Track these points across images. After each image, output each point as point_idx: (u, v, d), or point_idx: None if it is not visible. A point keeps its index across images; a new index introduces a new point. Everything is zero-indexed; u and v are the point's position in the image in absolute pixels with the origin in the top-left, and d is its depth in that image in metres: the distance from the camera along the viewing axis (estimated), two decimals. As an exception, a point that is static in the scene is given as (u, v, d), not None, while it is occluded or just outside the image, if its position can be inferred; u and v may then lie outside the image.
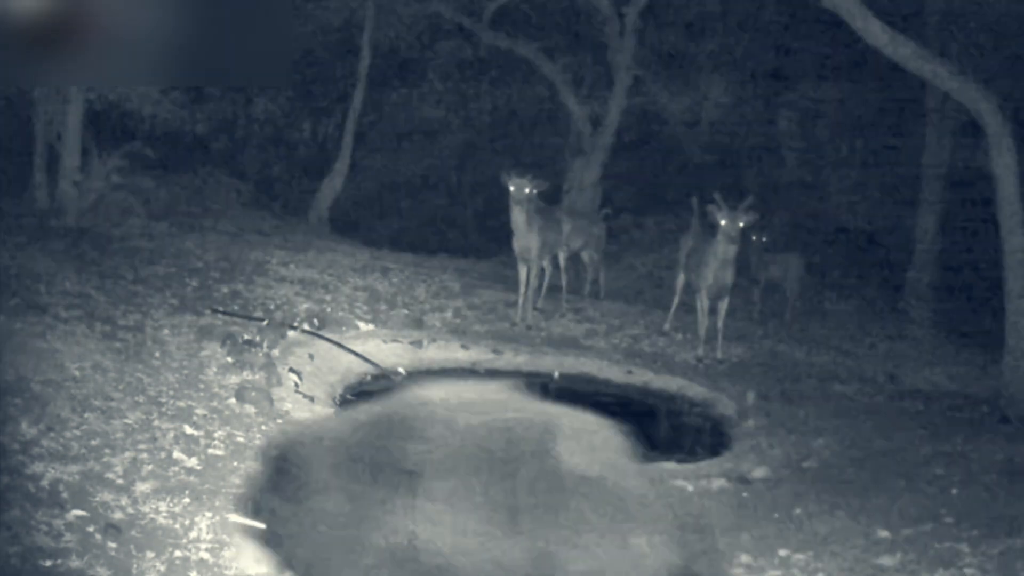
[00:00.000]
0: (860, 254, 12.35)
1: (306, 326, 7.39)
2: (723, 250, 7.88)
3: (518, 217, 8.30)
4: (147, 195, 10.46)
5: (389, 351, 7.44)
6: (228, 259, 8.91)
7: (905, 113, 12.05)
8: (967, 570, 4.09)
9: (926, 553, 4.26)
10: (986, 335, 8.54)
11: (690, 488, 5.22)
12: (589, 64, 13.11)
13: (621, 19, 11.37)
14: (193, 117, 13.64)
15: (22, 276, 6.88)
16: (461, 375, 7.25)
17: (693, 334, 8.47)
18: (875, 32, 7.02)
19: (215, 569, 3.72)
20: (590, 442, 2.59)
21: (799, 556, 4.29)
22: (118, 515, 3.96)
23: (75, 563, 3.50)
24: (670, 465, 5.74)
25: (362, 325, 7.83)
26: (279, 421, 5.54)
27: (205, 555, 3.78)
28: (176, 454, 4.71)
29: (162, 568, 3.65)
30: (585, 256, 9.78)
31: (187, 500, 4.21)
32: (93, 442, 4.58)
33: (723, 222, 7.70)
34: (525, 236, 8.40)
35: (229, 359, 6.37)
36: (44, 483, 4.06)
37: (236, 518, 2.73)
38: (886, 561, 4.21)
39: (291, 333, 7.16)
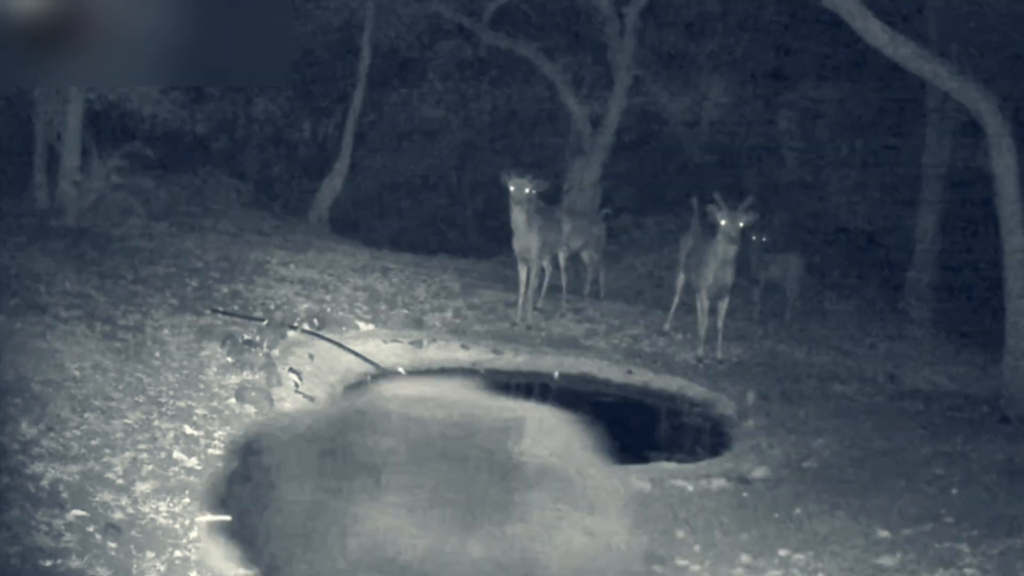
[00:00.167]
0: (860, 254, 12.35)
1: (306, 326, 7.39)
2: (723, 250, 7.88)
3: (518, 217, 8.30)
4: (147, 195, 10.47)
5: (389, 351, 7.44)
6: (228, 259, 8.92)
7: (905, 113, 12.05)
8: (967, 570, 4.09)
9: (926, 553, 4.26)
10: (986, 335, 8.54)
11: (690, 488, 5.22)
12: (589, 64, 13.11)
13: (621, 19, 11.37)
14: (193, 117, 13.65)
15: (22, 276, 6.88)
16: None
17: (693, 334, 8.47)
18: (875, 32, 7.02)
19: (215, 569, 3.71)
20: (551, 437, 2.63)
21: (799, 556, 4.30)
22: (118, 515, 3.96)
23: (75, 563, 3.50)
24: (670, 465, 5.74)
25: (362, 325, 7.83)
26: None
27: (205, 555, 3.78)
28: (176, 454, 4.71)
29: (162, 568, 3.65)
30: (585, 256, 9.78)
31: (187, 500, 4.21)
32: (93, 442, 4.59)
33: (723, 222, 7.70)
34: (525, 236, 8.40)
35: (229, 359, 6.37)
36: (44, 483, 4.06)
37: (205, 517, 2.74)
38: (886, 561, 4.21)
39: (291, 333, 7.16)
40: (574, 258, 9.77)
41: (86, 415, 4.86)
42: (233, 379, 6.05)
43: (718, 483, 5.35)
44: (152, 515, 4.03)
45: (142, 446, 4.70)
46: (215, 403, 5.58)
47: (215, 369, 6.18)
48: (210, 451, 4.85)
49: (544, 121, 14.85)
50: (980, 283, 9.92)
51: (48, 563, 3.47)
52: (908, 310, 10.89)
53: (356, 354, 7.14)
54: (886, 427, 6.47)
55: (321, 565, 2.50)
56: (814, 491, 5.20)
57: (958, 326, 10.31)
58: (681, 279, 8.84)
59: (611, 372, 7.78)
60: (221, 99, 14.08)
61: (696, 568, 4.21)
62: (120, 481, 4.27)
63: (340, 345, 7.17)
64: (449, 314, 8.56)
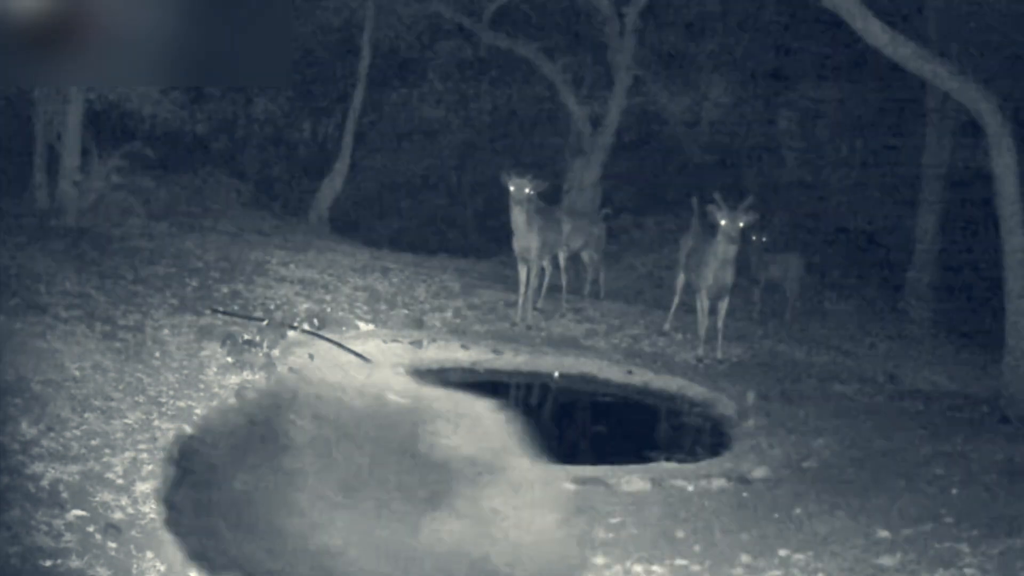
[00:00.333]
0: (860, 254, 12.35)
1: (306, 326, 7.39)
2: (723, 250, 7.88)
3: (518, 217, 8.30)
4: (147, 195, 10.48)
5: (389, 351, 7.44)
6: (228, 259, 8.92)
7: (905, 113, 12.05)
8: (967, 570, 4.09)
9: (926, 553, 4.26)
10: (986, 335, 8.54)
11: (690, 488, 5.22)
12: (589, 64, 13.11)
13: (621, 19, 11.37)
14: (193, 117, 13.64)
15: (22, 276, 6.88)
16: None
17: (693, 334, 8.47)
18: (875, 32, 7.02)
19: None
20: (473, 427, 2.67)
21: (799, 556, 4.29)
22: (118, 515, 3.96)
23: (75, 563, 3.50)
24: (670, 465, 5.74)
25: (362, 325, 7.83)
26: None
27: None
28: (176, 454, 4.70)
29: (162, 568, 3.64)
30: (585, 256, 9.78)
31: (187, 500, 4.21)
32: (93, 442, 4.59)
33: (723, 222, 7.70)
34: (525, 236, 8.40)
35: (229, 359, 6.37)
36: (44, 483, 4.06)
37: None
38: (886, 561, 4.21)
39: (291, 333, 7.16)
40: (574, 258, 9.77)
41: (86, 415, 4.86)
42: (233, 379, 6.05)
43: (718, 483, 5.34)
44: (152, 515, 4.02)
45: (142, 446, 4.70)
46: (215, 403, 5.58)
47: (215, 369, 6.18)
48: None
49: (544, 121, 14.85)
50: (980, 283, 9.93)
51: (48, 563, 3.47)
52: (908, 310, 10.89)
53: (356, 354, 7.14)
54: (886, 427, 6.46)
55: (257, 556, 2.57)
56: (814, 491, 5.20)
57: (958, 326, 10.31)
58: (681, 279, 8.84)
59: (611, 372, 7.77)
60: (221, 99, 14.08)
61: (696, 568, 4.21)
62: (120, 481, 4.27)
63: (340, 345, 7.17)
64: (449, 314, 8.56)
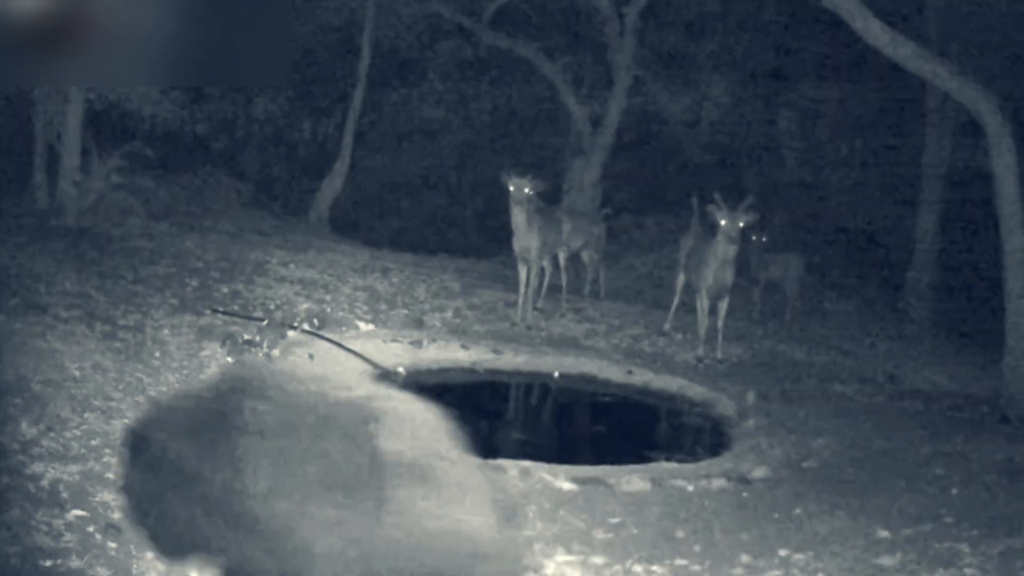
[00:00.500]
0: (860, 254, 12.35)
1: (306, 326, 7.39)
2: (723, 250, 7.88)
3: (518, 217, 8.30)
4: (147, 195, 10.48)
5: (389, 351, 7.44)
6: (228, 259, 8.92)
7: (905, 113, 12.05)
8: (967, 570, 4.09)
9: (926, 553, 4.26)
10: (986, 335, 8.54)
11: (690, 488, 5.22)
12: (589, 64, 13.10)
13: (621, 19, 11.36)
14: (193, 117, 13.65)
15: (22, 276, 6.88)
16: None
17: (693, 334, 8.47)
18: (875, 32, 7.02)
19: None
20: (414, 427, 2.75)
21: (799, 556, 4.29)
22: (118, 515, 3.96)
23: (75, 563, 3.50)
24: (670, 465, 5.74)
25: (362, 325, 7.83)
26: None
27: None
28: (176, 454, 4.70)
29: (162, 568, 3.64)
30: (585, 256, 9.78)
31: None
32: (93, 442, 4.58)
33: (723, 222, 7.70)
34: (525, 236, 8.40)
35: (229, 359, 6.37)
36: (44, 483, 4.06)
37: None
38: (886, 561, 4.21)
39: (291, 333, 7.16)
40: (574, 258, 9.77)
41: (86, 415, 4.86)
42: (233, 379, 6.04)
43: (718, 483, 5.35)
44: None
45: (142, 446, 4.69)
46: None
47: (215, 369, 6.18)
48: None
49: (544, 121, 14.85)
50: (980, 283, 9.92)
51: (48, 563, 3.47)
52: (908, 310, 10.89)
53: (356, 354, 7.15)
54: (886, 427, 6.46)
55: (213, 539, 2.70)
56: (814, 491, 5.20)
57: (958, 326, 10.31)
58: (681, 279, 8.84)
59: (611, 372, 7.77)
60: (221, 99, 14.08)
61: (696, 568, 4.21)
62: (120, 481, 4.27)
63: (340, 345, 7.17)
64: (449, 314, 8.56)
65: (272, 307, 7.78)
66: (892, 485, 5.26)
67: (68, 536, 3.67)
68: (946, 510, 4.78)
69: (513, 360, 7.82)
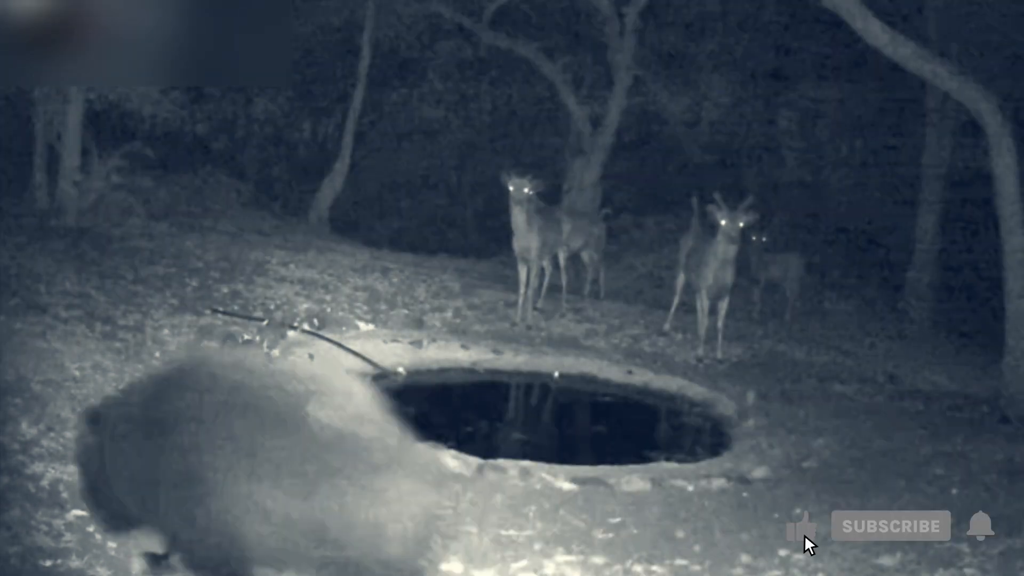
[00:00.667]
0: (860, 254, 12.35)
1: (306, 326, 7.39)
2: (723, 250, 7.88)
3: (518, 217, 8.30)
4: (147, 195, 10.48)
5: (389, 351, 7.44)
6: (228, 259, 8.92)
7: (905, 113, 12.05)
8: (967, 570, 4.09)
9: (926, 553, 4.26)
10: (986, 335, 8.54)
11: (690, 488, 5.22)
12: (589, 64, 13.10)
13: (621, 19, 11.36)
14: (193, 117, 13.65)
15: (22, 276, 6.88)
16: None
17: (693, 334, 8.46)
18: (875, 32, 7.02)
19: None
20: (350, 408, 2.82)
21: (799, 556, 4.29)
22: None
23: (75, 563, 3.50)
24: (670, 465, 5.74)
25: (362, 325, 7.83)
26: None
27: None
28: (176, 454, 4.69)
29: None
30: (585, 256, 9.77)
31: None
32: (93, 442, 4.58)
33: (723, 222, 7.70)
34: (525, 236, 8.40)
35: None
36: (44, 483, 4.06)
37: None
38: (886, 561, 4.21)
39: (291, 333, 7.16)
40: (574, 258, 9.77)
41: (86, 415, 4.85)
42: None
43: (718, 483, 5.35)
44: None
45: (142, 446, 4.69)
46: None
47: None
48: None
49: (544, 121, 14.85)
50: (980, 283, 9.93)
51: (48, 563, 3.47)
52: (908, 310, 10.89)
53: (356, 354, 7.15)
54: (886, 427, 6.46)
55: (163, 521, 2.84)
56: (814, 491, 5.20)
57: (958, 326, 10.32)
58: (681, 279, 8.84)
59: (611, 372, 7.77)
60: (221, 99, 14.08)
61: (696, 568, 4.21)
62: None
63: (340, 345, 7.17)
64: (449, 314, 8.56)
65: (272, 307, 7.78)
66: (892, 485, 5.26)
67: (68, 536, 3.67)
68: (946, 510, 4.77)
69: (513, 360, 7.82)
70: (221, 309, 7.38)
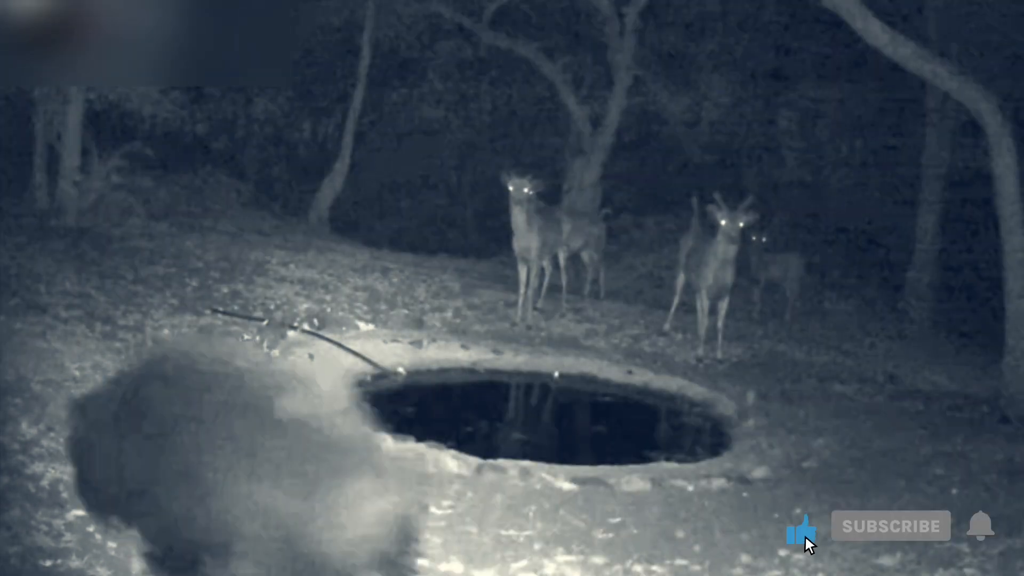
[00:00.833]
0: (860, 254, 12.35)
1: (306, 326, 7.39)
2: (723, 250, 7.88)
3: (518, 217, 8.30)
4: (147, 195, 10.48)
5: (389, 351, 7.44)
6: (228, 259, 8.92)
7: (905, 113, 12.05)
8: (967, 570, 4.09)
9: (926, 553, 4.26)
10: (986, 335, 8.54)
11: (690, 488, 5.22)
12: (589, 64, 13.10)
13: (621, 19, 11.36)
14: (193, 117, 13.65)
15: (22, 276, 6.88)
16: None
17: (693, 334, 8.47)
18: (875, 32, 7.02)
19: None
20: (320, 401, 2.80)
21: (799, 556, 4.29)
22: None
23: (75, 563, 3.50)
24: (670, 465, 5.74)
25: (362, 325, 7.83)
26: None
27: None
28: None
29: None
30: (585, 256, 9.77)
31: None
32: (93, 442, 4.57)
33: (723, 222, 7.70)
34: (525, 236, 8.40)
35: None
36: (44, 483, 4.06)
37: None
38: (886, 561, 4.21)
39: (291, 333, 7.16)
40: (574, 258, 9.76)
41: (86, 415, 4.85)
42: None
43: (718, 483, 5.35)
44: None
45: (142, 446, 4.68)
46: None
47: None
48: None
49: (544, 121, 14.85)
50: (980, 283, 9.93)
51: (48, 563, 3.47)
52: (908, 310, 10.89)
53: (356, 354, 7.14)
54: (886, 427, 6.47)
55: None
56: (814, 491, 5.20)
57: (958, 326, 10.32)
58: (681, 279, 8.84)
59: (611, 372, 7.77)
60: (221, 99, 14.08)
61: (696, 568, 4.21)
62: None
63: (340, 345, 7.17)
64: (449, 314, 8.56)
65: (272, 307, 7.78)
66: (892, 485, 5.26)
67: (68, 536, 3.67)
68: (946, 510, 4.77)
69: (513, 360, 7.82)
70: (221, 309, 7.38)
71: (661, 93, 12.94)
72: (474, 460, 5.32)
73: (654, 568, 4.17)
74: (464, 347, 7.79)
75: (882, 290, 11.58)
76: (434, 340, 7.78)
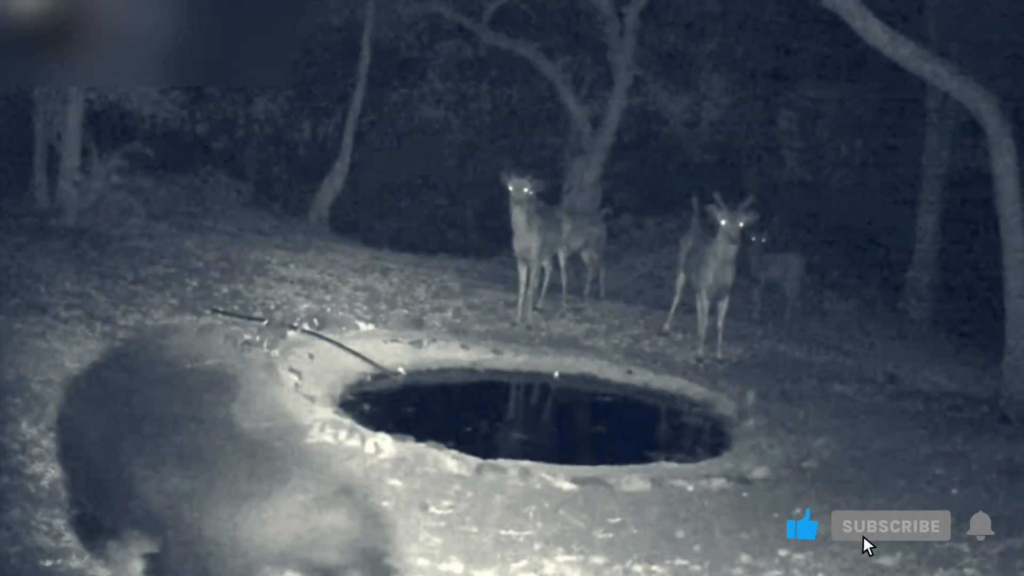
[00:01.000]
0: (860, 254, 12.35)
1: (306, 326, 7.39)
2: (723, 250, 7.88)
3: (518, 217, 8.30)
4: (147, 195, 10.48)
5: (389, 351, 7.44)
6: (228, 259, 8.92)
7: (905, 113, 12.07)
8: (967, 570, 4.09)
9: (926, 553, 4.26)
10: (986, 335, 8.54)
11: (690, 488, 5.22)
12: (589, 64, 13.11)
13: (621, 19, 11.37)
14: (193, 117, 13.66)
15: (22, 276, 6.88)
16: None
17: (693, 334, 8.46)
18: (875, 32, 7.02)
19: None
20: (271, 400, 2.88)
21: (799, 556, 4.29)
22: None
23: (75, 563, 3.50)
24: (670, 465, 5.74)
25: (362, 325, 7.83)
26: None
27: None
28: (176, 454, 4.69)
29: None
30: (585, 256, 9.77)
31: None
32: (93, 442, 4.58)
33: (723, 222, 7.70)
34: (525, 236, 8.40)
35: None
36: (44, 483, 4.06)
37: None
38: (886, 561, 4.21)
39: (291, 333, 7.16)
40: (574, 258, 9.76)
41: (86, 415, 4.85)
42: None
43: (718, 483, 5.34)
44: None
45: (142, 446, 4.69)
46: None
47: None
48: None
49: (544, 121, 14.87)
50: (980, 283, 9.93)
51: (48, 563, 3.47)
52: (908, 310, 10.90)
53: (356, 354, 7.14)
54: (886, 427, 6.47)
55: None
56: (814, 491, 5.20)
57: (958, 326, 10.32)
58: (681, 279, 8.84)
59: (611, 372, 7.77)
60: (221, 99, 14.09)
61: (696, 568, 4.21)
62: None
63: (340, 345, 7.17)
64: (449, 314, 8.56)
65: (272, 307, 7.78)
66: (892, 485, 5.26)
67: (68, 536, 3.67)
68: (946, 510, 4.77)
69: (513, 360, 7.81)
70: (221, 309, 7.38)
71: (661, 93, 12.95)
72: (474, 460, 5.31)
73: (654, 568, 4.17)
74: (464, 347, 7.79)
75: (882, 290, 11.59)
76: (434, 340, 7.78)
